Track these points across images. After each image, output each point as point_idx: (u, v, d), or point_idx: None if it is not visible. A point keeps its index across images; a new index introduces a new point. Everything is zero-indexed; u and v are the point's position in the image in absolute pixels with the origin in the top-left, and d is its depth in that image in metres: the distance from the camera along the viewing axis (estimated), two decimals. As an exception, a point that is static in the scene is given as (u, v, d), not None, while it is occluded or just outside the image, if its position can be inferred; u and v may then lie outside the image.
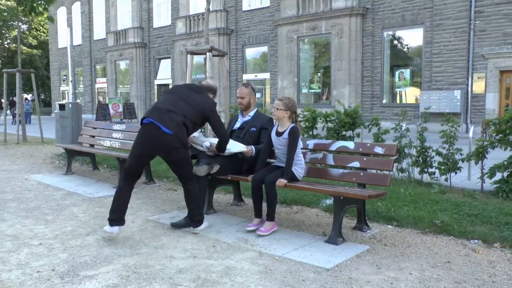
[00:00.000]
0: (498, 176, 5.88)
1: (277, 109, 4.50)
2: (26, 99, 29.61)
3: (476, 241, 4.17)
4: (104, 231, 4.15)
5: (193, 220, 4.40)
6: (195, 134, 4.68)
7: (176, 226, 4.56)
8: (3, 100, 23.06)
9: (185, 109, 4.25)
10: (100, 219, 4.95)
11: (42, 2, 14.12)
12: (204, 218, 4.47)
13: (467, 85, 16.09)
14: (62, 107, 9.36)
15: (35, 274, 3.36)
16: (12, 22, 41.66)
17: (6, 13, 15.82)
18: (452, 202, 5.26)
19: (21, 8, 13.99)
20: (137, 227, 4.67)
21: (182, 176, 4.37)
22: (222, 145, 4.58)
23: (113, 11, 31.12)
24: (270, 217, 4.43)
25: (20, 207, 5.48)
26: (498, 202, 5.43)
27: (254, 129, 5.01)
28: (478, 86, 15.90)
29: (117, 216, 4.15)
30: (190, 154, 4.54)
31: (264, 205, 4.49)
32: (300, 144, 4.59)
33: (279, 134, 4.55)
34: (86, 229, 4.58)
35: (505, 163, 5.73)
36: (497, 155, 6.09)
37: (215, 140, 4.65)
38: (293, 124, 4.54)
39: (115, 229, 4.13)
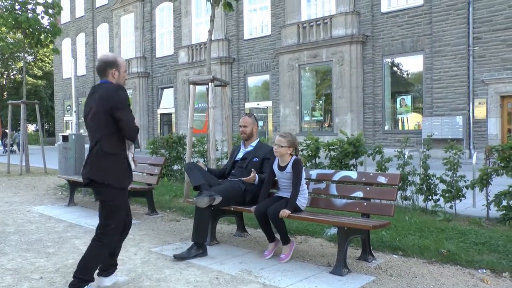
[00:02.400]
0: (504, 202, 5.82)
1: (281, 146, 4.51)
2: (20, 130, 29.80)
3: (484, 270, 4.10)
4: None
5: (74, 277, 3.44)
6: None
7: (179, 258, 4.51)
8: (7, 131, 23.22)
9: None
10: (102, 251, 4.90)
11: (48, 35, 14.36)
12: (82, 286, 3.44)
13: (469, 110, 16.13)
14: (65, 138, 9.40)
15: (36, 311, 3.31)
16: (18, 54, 42.33)
17: (11, 46, 16.05)
18: (458, 230, 5.20)
19: (27, 41, 14.23)
20: (139, 259, 4.62)
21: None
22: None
23: (116, 42, 31.59)
24: (285, 241, 4.53)
25: (22, 240, 5.44)
26: (505, 229, 5.36)
27: (257, 159, 5.01)
28: (479, 112, 15.93)
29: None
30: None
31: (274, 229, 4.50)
32: (303, 174, 4.58)
33: (281, 168, 4.56)
34: (88, 262, 4.53)
35: (511, 189, 5.68)
36: (501, 181, 6.05)
37: None
38: (295, 157, 4.55)
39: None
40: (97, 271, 3.64)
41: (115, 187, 3.45)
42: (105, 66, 3.47)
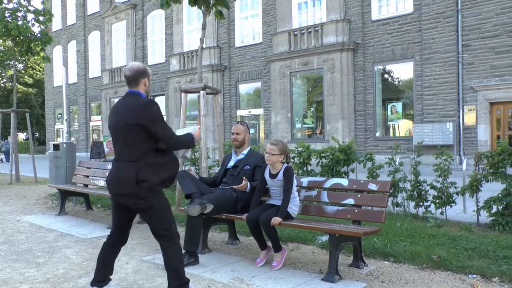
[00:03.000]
0: (494, 208, 5.87)
1: (273, 154, 4.52)
2: (6, 138, 29.78)
3: (475, 276, 4.13)
4: None
5: None
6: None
7: (170, 266, 4.49)
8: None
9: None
10: (93, 260, 4.86)
11: (39, 43, 14.30)
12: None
13: (459, 117, 16.27)
14: (56, 147, 9.35)
15: (25, 321, 3.28)
16: (8, 62, 42.11)
17: (1, 54, 15.98)
18: (448, 236, 5.24)
19: (17, 49, 14.16)
20: (131, 268, 4.60)
21: (153, 232, 3.52)
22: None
23: (108, 49, 31.54)
24: (277, 248, 4.53)
25: (11, 250, 5.39)
26: (494, 235, 5.41)
27: (248, 167, 5.03)
28: (469, 118, 16.08)
29: None
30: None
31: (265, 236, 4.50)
32: (295, 182, 4.60)
33: (272, 176, 4.58)
34: (78, 271, 4.50)
35: (500, 195, 5.74)
36: (491, 187, 6.11)
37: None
38: (286, 165, 4.57)
39: None
40: (91, 281, 3.62)
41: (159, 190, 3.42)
42: (138, 75, 3.49)
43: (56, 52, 36.86)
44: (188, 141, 3.58)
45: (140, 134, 3.32)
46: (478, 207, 6.07)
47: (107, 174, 3.61)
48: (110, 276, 3.70)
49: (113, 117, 3.49)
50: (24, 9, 14.01)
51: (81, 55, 34.44)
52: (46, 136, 39.53)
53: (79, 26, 34.67)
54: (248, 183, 4.79)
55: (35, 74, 49.99)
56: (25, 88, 47.03)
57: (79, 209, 8.55)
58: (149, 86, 3.59)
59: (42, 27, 14.46)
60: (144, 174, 3.30)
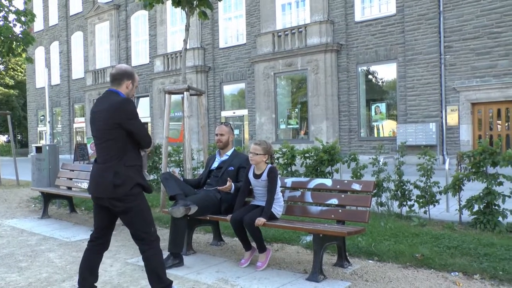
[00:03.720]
0: (475, 207, 5.96)
1: (256, 154, 4.54)
2: None
3: (457, 273, 4.19)
4: None
5: None
6: None
7: (155, 269, 4.46)
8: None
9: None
10: (77, 264, 4.81)
11: (21, 43, 14.10)
12: None
13: (441, 117, 16.46)
14: (38, 149, 9.23)
15: (7, 326, 3.23)
16: (-12, 63, 41.50)
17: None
18: (431, 235, 5.30)
19: (-2, 50, 13.94)
20: (115, 270, 4.57)
21: (132, 235, 3.50)
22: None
23: (91, 50, 31.25)
24: (261, 249, 4.54)
25: (-7, 254, 5.31)
26: (476, 233, 5.50)
27: (232, 168, 5.03)
28: (451, 119, 16.28)
29: None
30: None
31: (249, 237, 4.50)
32: (279, 182, 4.61)
33: (257, 176, 4.59)
34: (62, 275, 4.45)
35: (481, 194, 5.83)
36: (473, 186, 6.20)
37: None
38: (270, 165, 4.58)
39: None
40: None
41: (139, 192, 3.41)
42: (123, 76, 3.48)
43: (38, 53, 36.39)
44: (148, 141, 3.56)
45: (117, 134, 3.31)
46: (461, 206, 6.15)
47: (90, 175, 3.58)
48: (96, 284, 3.61)
49: (92, 117, 3.49)
50: (6, 9, 13.80)
51: (64, 56, 34.05)
52: (29, 139, 38.98)
53: (62, 27, 34.27)
54: (232, 184, 4.79)
55: (16, 76, 49.25)
56: (6, 90, 46.31)
57: (62, 212, 8.45)
58: (132, 90, 3.55)
59: (24, 27, 14.26)
60: (121, 176, 3.29)
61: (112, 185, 3.27)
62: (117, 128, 3.30)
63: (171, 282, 3.49)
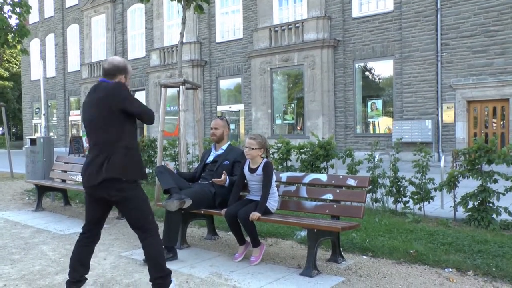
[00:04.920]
0: (470, 204, 5.98)
1: (252, 148, 4.52)
2: None
3: (450, 269, 4.20)
4: None
5: (154, 283, 3.43)
6: None
7: (148, 262, 4.45)
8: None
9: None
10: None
11: (16, 35, 13.99)
12: (170, 281, 3.47)
13: (437, 115, 16.49)
14: (33, 141, 9.17)
15: (-1, 318, 3.22)
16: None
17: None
18: (426, 231, 5.31)
19: (-7, 41, 13.82)
20: (109, 264, 4.55)
21: (131, 224, 3.49)
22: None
23: (87, 43, 31.09)
24: (255, 244, 4.53)
25: (-14, 246, 5.28)
26: (470, 230, 5.51)
27: (227, 162, 5.01)
28: (447, 116, 16.32)
29: None
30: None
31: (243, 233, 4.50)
32: (274, 177, 4.60)
33: (252, 170, 4.57)
34: (55, 268, 4.43)
35: (476, 191, 5.84)
36: (468, 183, 6.21)
37: None
38: (266, 160, 4.57)
39: None
40: (66, 282, 3.51)
41: (135, 181, 3.41)
42: (115, 71, 3.45)
43: (34, 45, 36.16)
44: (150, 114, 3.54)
45: (115, 118, 3.29)
46: (455, 203, 6.17)
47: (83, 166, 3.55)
48: (86, 276, 3.58)
49: (84, 108, 3.48)
50: (1, 1, 13.68)
51: (59, 49, 33.85)
52: (23, 131, 38.80)
53: (57, 19, 34.06)
54: (227, 177, 4.78)
55: (11, 68, 48.96)
56: (1, 82, 46.03)
57: (56, 204, 8.42)
58: (126, 83, 3.52)
59: (20, 19, 14.14)
60: (128, 156, 3.31)
61: (121, 167, 3.27)
62: (114, 112, 3.27)
63: (170, 272, 3.47)
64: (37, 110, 36.06)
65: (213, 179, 4.81)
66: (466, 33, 15.76)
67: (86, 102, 3.46)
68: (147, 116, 3.46)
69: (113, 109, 3.27)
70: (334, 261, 4.49)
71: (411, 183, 6.55)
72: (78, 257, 3.49)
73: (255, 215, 4.29)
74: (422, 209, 6.52)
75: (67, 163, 8.08)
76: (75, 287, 3.49)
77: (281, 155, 7.36)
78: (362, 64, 18.70)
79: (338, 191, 4.53)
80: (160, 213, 6.61)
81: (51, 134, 33.15)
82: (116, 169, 3.27)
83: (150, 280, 3.42)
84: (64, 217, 7.22)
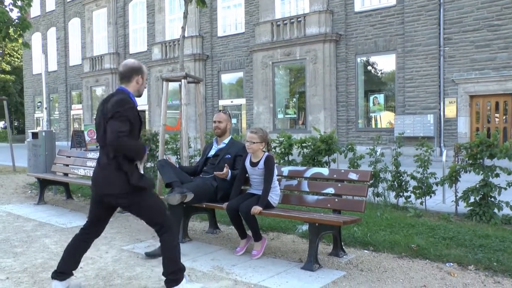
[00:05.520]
0: (471, 198, 5.97)
1: (253, 142, 4.52)
2: None
3: (452, 264, 4.20)
4: None
5: (167, 279, 3.49)
6: None
7: (150, 255, 4.47)
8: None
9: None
10: (72, 250, 4.81)
11: (18, 28, 13.97)
12: (182, 277, 3.49)
13: (440, 109, 16.45)
14: (35, 135, 9.18)
15: (1, 310, 3.23)
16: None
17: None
18: (427, 226, 5.31)
19: (-6, 35, 13.80)
20: (110, 257, 4.57)
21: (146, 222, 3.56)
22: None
23: (89, 37, 31.04)
24: (257, 238, 4.54)
25: (-12, 239, 5.30)
26: (472, 224, 5.51)
27: (229, 156, 5.01)
28: (450, 111, 16.28)
29: None
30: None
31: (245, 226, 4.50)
32: (275, 171, 4.60)
33: (253, 164, 4.57)
34: (57, 261, 4.42)
35: (477, 186, 5.84)
36: (469, 178, 6.20)
37: None
38: (267, 153, 4.57)
39: None
40: (52, 273, 3.53)
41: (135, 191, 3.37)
42: (132, 72, 3.45)
43: (35, 39, 36.12)
44: (137, 150, 3.31)
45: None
46: (457, 197, 6.17)
47: (92, 173, 3.55)
48: (74, 272, 3.57)
49: (97, 113, 3.49)
50: (2, -7, 13.67)
51: (61, 43, 33.81)
52: (25, 125, 38.84)
53: (59, 13, 33.99)
54: (229, 170, 4.78)
55: (13, 61, 48.92)
56: (3, 75, 46.03)
57: (59, 198, 8.44)
58: (142, 84, 3.54)
59: (22, 12, 14.11)
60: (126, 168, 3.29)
61: (125, 180, 3.27)
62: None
63: (184, 268, 3.52)
64: (39, 104, 36.09)
65: (215, 172, 4.81)
66: (469, 27, 15.69)
67: (99, 107, 3.44)
68: (113, 147, 3.19)
69: (105, 117, 3.26)
70: (336, 255, 4.50)
71: (413, 177, 6.55)
72: (73, 250, 3.51)
73: (256, 209, 4.30)
74: (424, 203, 6.52)
75: (69, 157, 8.09)
76: (59, 279, 3.48)
77: (282, 149, 7.36)
78: (364, 59, 18.64)
79: (339, 185, 4.53)
80: (161, 207, 6.61)
81: (53, 128, 33.16)
82: (111, 184, 3.31)
83: (163, 275, 3.46)
84: (66, 210, 7.24)
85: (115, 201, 3.38)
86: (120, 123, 3.17)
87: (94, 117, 3.49)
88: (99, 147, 3.46)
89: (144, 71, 3.54)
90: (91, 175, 3.54)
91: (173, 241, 3.47)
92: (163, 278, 3.51)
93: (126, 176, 3.28)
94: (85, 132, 26.81)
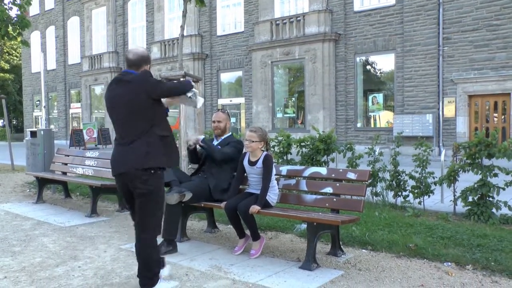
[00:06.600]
0: (470, 198, 5.98)
1: (252, 141, 4.52)
2: None
3: (449, 263, 4.21)
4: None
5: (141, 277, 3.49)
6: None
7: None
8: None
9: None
10: (71, 249, 4.82)
11: (17, 26, 13.93)
12: (156, 281, 3.49)
13: (438, 109, 16.46)
14: (33, 134, 9.17)
15: (-1, 309, 3.23)
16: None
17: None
18: (425, 225, 5.31)
19: (-7, 33, 13.75)
20: (109, 256, 4.57)
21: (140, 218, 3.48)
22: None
23: (88, 36, 31.00)
24: (255, 237, 4.54)
25: (-13, 238, 5.30)
26: (470, 224, 5.51)
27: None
28: (448, 110, 16.29)
29: None
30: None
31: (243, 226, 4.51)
32: (274, 170, 4.60)
33: (252, 163, 4.57)
34: (55, 260, 4.45)
35: (476, 186, 5.84)
36: (468, 177, 6.21)
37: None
38: (266, 152, 4.57)
39: None
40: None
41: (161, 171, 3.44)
42: (141, 61, 3.49)
43: (34, 38, 36.06)
44: (183, 86, 3.55)
45: (145, 108, 3.33)
46: (455, 197, 6.17)
47: (110, 157, 3.57)
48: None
49: (112, 97, 3.46)
50: (1, -8, 13.62)
51: (60, 41, 33.75)
52: (24, 123, 38.78)
53: (58, 11, 33.93)
54: (201, 136, 4.85)
55: (11, 60, 48.85)
56: (2, 74, 45.96)
57: (57, 197, 8.43)
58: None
59: (21, 11, 14.07)
60: (154, 145, 3.35)
61: (144, 154, 3.29)
62: (148, 100, 3.33)
63: (159, 271, 3.53)
64: (38, 102, 36.03)
65: (187, 141, 4.94)
66: (468, 27, 15.69)
67: (112, 95, 3.46)
68: (178, 91, 3.48)
69: (147, 97, 3.32)
70: (334, 255, 4.50)
71: (411, 177, 6.55)
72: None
73: (255, 208, 4.30)
74: (422, 203, 6.52)
75: (68, 156, 8.09)
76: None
77: (281, 149, 7.36)
78: (363, 58, 18.65)
79: (338, 184, 4.53)
80: (160, 206, 6.62)
81: (51, 126, 33.12)
82: (149, 152, 3.33)
83: (137, 276, 3.48)
84: (65, 209, 7.23)
85: (139, 180, 3.32)
86: (164, 86, 3.46)
87: (106, 107, 3.49)
88: (125, 131, 3.41)
89: (151, 60, 3.66)
90: (110, 159, 3.52)
91: (153, 247, 3.49)
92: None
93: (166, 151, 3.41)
94: (84, 131, 26.80)
